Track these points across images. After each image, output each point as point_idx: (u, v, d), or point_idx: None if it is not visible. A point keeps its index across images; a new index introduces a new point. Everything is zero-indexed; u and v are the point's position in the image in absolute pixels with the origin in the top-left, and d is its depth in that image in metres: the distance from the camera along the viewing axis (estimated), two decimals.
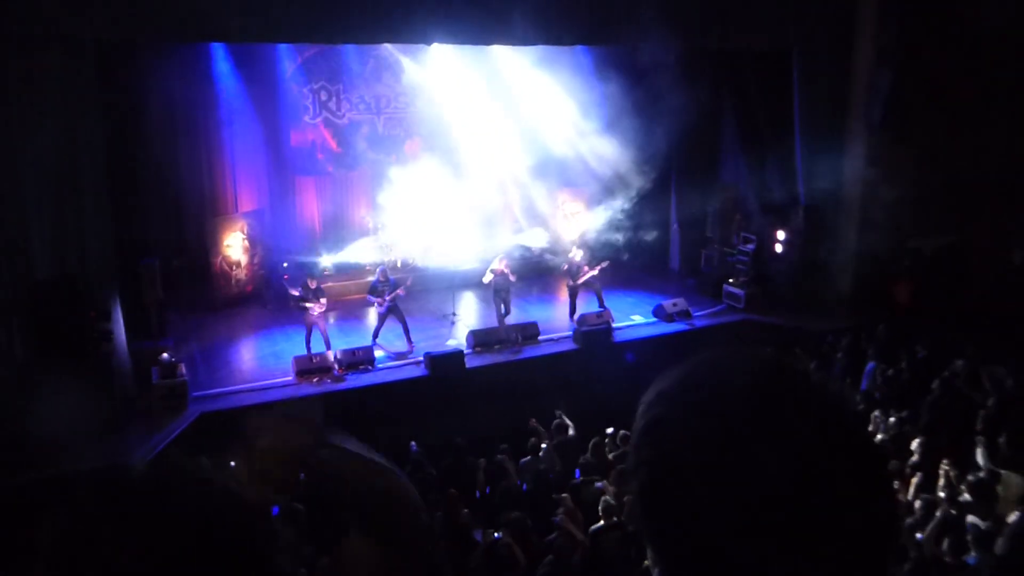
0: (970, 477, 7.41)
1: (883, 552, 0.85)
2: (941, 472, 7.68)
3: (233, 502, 0.96)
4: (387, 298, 12.69)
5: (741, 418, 0.85)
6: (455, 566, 7.22)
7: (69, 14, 9.58)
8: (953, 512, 6.88)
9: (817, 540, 0.81)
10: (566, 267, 13.98)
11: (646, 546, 0.94)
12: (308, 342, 12.38)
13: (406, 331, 12.87)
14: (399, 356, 12.60)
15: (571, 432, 10.01)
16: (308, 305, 12.14)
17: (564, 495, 8.04)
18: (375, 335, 12.95)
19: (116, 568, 0.86)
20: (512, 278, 13.60)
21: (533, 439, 9.59)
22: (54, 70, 9.71)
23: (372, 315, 14.01)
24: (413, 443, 9.74)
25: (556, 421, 10.15)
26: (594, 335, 13.07)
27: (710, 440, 0.85)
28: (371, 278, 13.64)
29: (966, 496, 7.10)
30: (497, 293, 13.50)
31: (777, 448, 0.83)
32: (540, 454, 9.23)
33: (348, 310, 15.14)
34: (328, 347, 12.23)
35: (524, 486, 8.74)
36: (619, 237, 17.21)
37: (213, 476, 0.97)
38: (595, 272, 13.84)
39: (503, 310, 13.56)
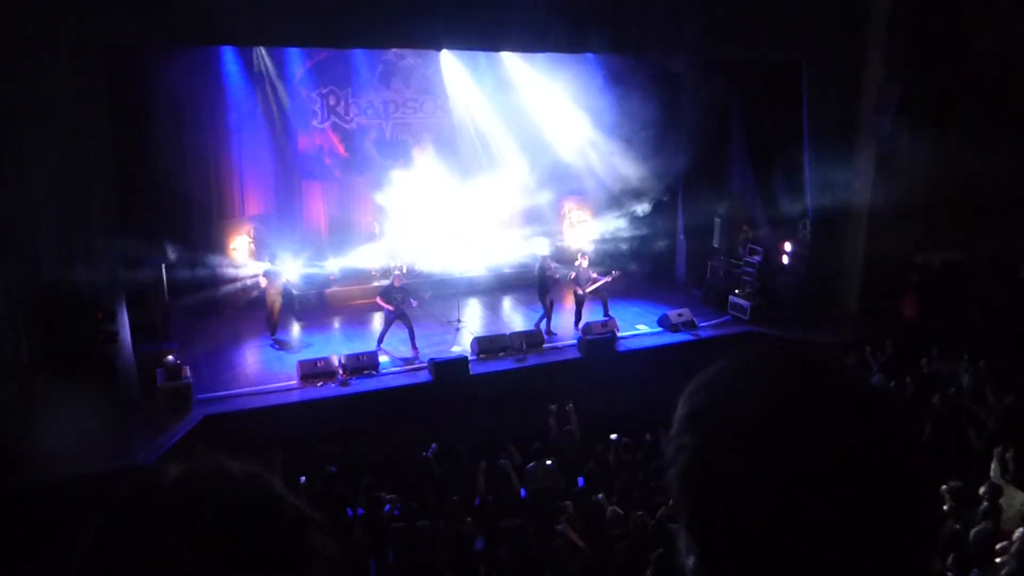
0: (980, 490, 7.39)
1: (923, 540, 0.87)
2: (945, 486, 7.64)
3: (272, 506, 0.95)
4: (401, 306, 12.83)
5: (779, 405, 0.88)
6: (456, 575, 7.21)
7: (77, 19, 9.63)
8: (957, 527, 6.85)
9: (855, 522, 0.82)
10: (573, 275, 13.97)
11: (681, 535, 0.95)
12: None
13: (412, 337, 12.87)
14: (404, 362, 12.60)
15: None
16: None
17: (567, 502, 8.03)
18: (380, 340, 12.97)
19: (153, 572, 0.85)
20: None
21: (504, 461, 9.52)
22: (63, 74, 9.75)
23: (377, 320, 14.06)
24: (434, 444, 9.78)
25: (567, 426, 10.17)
26: (599, 344, 13.06)
27: (750, 426, 0.87)
28: (384, 282, 13.83)
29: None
30: (549, 291, 13.69)
31: (815, 433, 0.85)
32: (548, 464, 9.21)
33: (353, 315, 15.15)
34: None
35: (524, 492, 8.73)
36: (625, 247, 17.23)
37: (252, 479, 0.97)
38: (608, 279, 13.85)
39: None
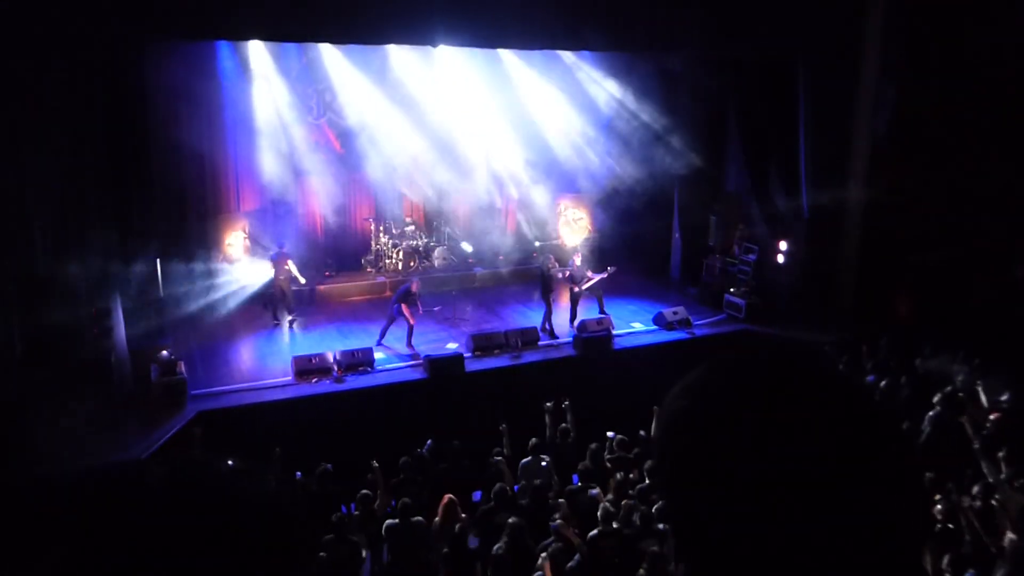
0: (974, 489, 7.41)
1: (916, 540, 0.87)
2: (938, 486, 7.66)
3: (259, 502, 0.95)
4: (421, 310, 13.01)
5: (765, 405, 0.87)
6: (451, 573, 7.20)
7: (75, 13, 9.60)
8: (951, 527, 6.86)
9: (843, 524, 0.82)
10: (567, 273, 13.96)
11: (672, 539, 0.95)
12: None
13: (409, 335, 12.90)
14: (400, 359, 12.59)
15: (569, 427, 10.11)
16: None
17: (561, 500, 8.03)
18: (381, 336, 13.05)
19: (132, 569, 0.85)
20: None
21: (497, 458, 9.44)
22: (59, 69, 9.72)
23: (375, 316, 14.09)
24: (429, 440, 9.78)
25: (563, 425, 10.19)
26: (594, 342, 13.06)
27: (735, 428, 0.86)
28: (378, 278, 13.89)
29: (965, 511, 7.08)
30: (552, 290, 13.67)
31: (802, 433, 0.84)
32: (543, 463, 9.21)
33: (348, 311, 15.13)
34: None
35: (517, 488, 8.73)
36: (620, 244, 17.23)
37: (239, 474, 0.96)
38: (604, 276, 13.85)
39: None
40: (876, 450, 0.86)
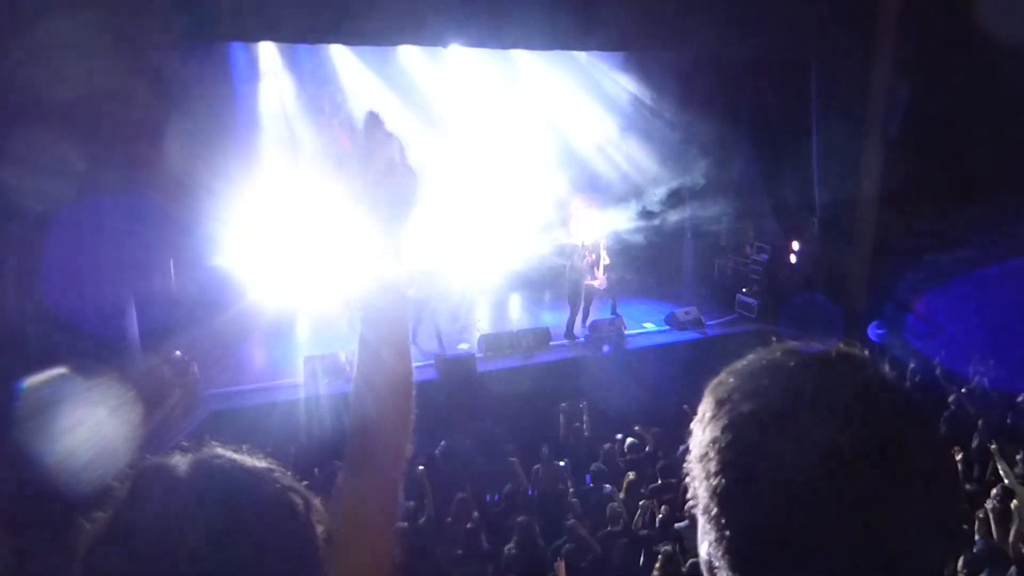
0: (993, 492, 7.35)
1: (950, 538, 0.87)
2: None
3: (280, 497, 0.97)
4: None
5: (805, 395, 0.88)
6: (463, 572, 7.20)
7: (91, 13, 9.64)
8: (966, 528, 6.81)
9: (876, 514, 0.83)
10: (587, 273, 13.81)
11: (698, 524, 0.95)
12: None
13: (438, 333, 12.93)
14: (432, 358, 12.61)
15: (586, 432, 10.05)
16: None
17: (574, 500, 8.01)
18: (414, 335, 13.07)
19: (159, 565, 0.86)
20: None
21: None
22: (73, 70, 9.75)
23: None
24: (443, 442, 9.78)
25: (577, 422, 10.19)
26: (606, 342, 13.03)
27: (775, 416, 0.88)
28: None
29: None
30: (581, 292, 13.61)
31: (839, 422, 0.85)
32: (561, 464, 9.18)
33: None
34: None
35: (531, 491, 8.71)
36: (632, 244, 17.18)
37: (261, 471, 0.98)
38: (614, 259, 13.87)
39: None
40: (916, 447, 0.87)
